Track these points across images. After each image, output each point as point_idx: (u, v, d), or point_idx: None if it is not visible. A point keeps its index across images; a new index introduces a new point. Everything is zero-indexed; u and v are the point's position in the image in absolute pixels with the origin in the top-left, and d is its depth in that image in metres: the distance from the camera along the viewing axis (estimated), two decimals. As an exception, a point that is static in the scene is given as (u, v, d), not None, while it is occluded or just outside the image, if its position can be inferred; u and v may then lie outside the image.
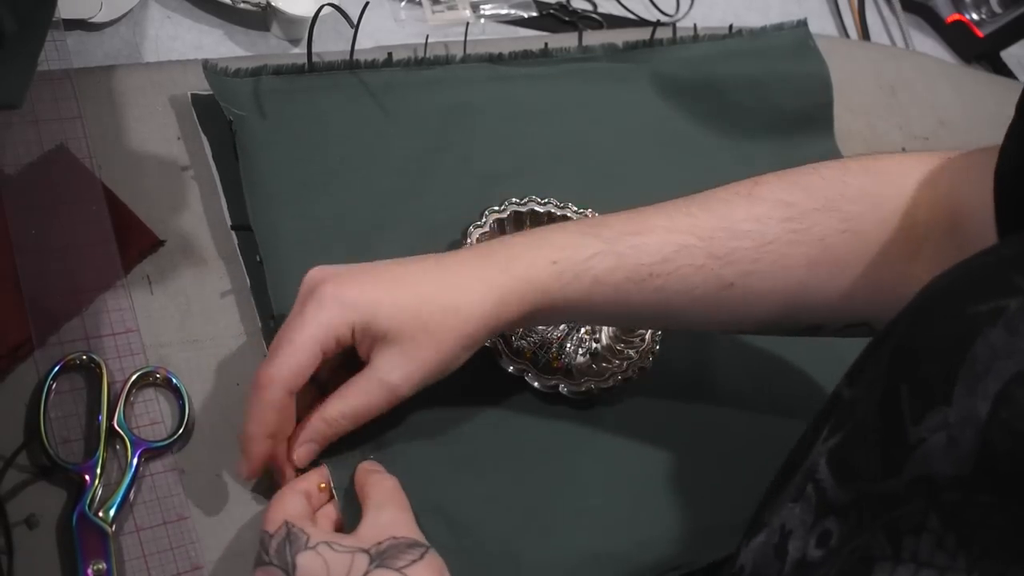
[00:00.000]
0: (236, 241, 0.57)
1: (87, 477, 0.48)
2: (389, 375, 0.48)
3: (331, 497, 0.50)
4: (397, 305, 0.47)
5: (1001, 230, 0.45)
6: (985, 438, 0.32)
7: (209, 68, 0.61)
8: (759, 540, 0.43)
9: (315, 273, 0.49)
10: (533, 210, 0.63)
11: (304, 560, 0.43)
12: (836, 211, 0.51)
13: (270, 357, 0.47)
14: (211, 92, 0.60)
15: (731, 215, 0.51)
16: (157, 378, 0.52)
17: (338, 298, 0.47)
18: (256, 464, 0.48)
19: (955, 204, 0.50)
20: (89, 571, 0.46)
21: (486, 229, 0.61)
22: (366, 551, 0.44)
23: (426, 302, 0.48)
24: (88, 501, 0.48)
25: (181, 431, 0.51)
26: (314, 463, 0.50)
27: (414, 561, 0.44)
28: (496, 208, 0.62)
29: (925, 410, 0.34)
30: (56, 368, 0.50)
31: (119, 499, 0.48)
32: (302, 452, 0.49)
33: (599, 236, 0.51)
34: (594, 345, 0.62)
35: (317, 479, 0.50)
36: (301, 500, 0.47)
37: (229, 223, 0.58)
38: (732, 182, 0.54)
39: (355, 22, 0.63)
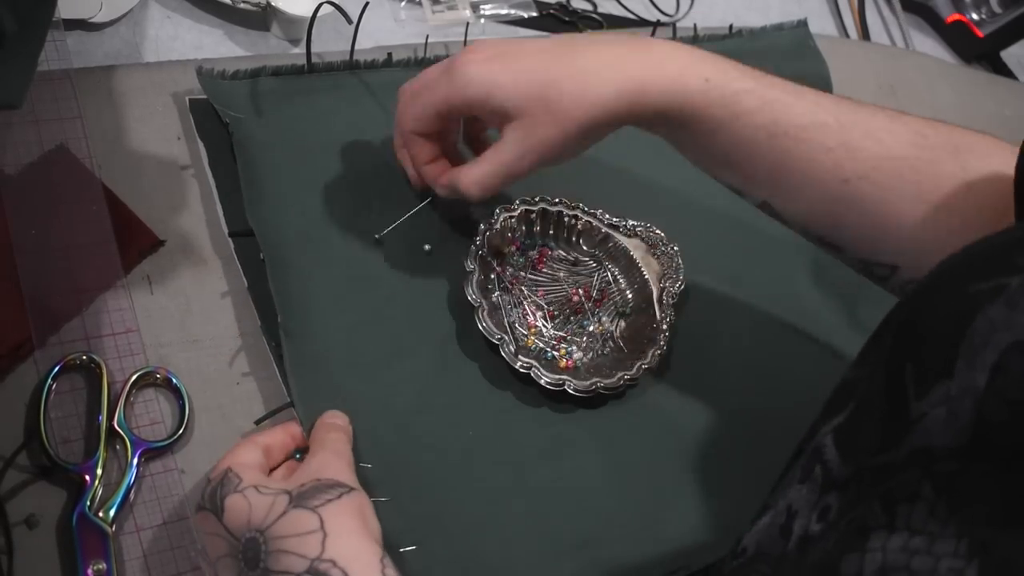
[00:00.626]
0: (233, 247, 0.57)
1: (87, 477, 0.48)
2: (506, 153, 0.52)
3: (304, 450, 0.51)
4: (515, 84, 0.50)
5: (1020, 211, 0.46)
6: (981, 408, 0.32)
7: (204, 73, 0.61)
8: (764, 521, 0.43)
9: (469, 47, 0.53)
10: (545, 209, 0.63)
11: (230, 502, 0.44)
12: (959, 157, 0.51)
13: (406, 104, 0.55)
14: (206, 97, 0.60)
15: (872, 120, 0.52)
16: (157, 378, 0.52)
17: (463, 73, 0.51)
18: (408, 170, 0.60)
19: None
20: (89, 571, 0.46)
21: (496, 226, 0.61)
22: (288, 492, 0.44)
23: (551, 83, 0.50)
24: (88, 501, 0.48)
25: (181, 431, 0.51)
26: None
27: (330, 500, 0.44)
28: (506, 206, 0.62)
29: (929, 385, 0.35)
30: (56, 368, 0.50)
31: (119, 499, 0.48)
32: (438, 189, 0.57)
33: (755, 78, 0.51)
34: (602, 346, 0.62)
35: (282, 436, 0.50)
36: (256, 451, 0.48)
37: (226, 230, 0.58)
38: None
39: (355, 22, 0.63)
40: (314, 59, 0.65)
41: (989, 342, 0.33)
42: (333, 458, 0.48)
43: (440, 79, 0.52)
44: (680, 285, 0.64)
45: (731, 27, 0.83)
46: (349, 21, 0.63)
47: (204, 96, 0.61)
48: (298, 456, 0.51)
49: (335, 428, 0.51)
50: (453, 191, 0.55)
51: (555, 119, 0.50)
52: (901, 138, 0.52)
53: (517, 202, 0.63)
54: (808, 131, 0.51)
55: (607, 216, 0.65)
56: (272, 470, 0.49)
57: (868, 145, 0.51)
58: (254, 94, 0.62)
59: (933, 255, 0.49)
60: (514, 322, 0.60)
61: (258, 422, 0.53)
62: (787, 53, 0.83)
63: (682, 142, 0.54)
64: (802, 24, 0.86)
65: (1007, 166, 0.50)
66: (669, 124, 0.52)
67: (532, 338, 0.60)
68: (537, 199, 0.63)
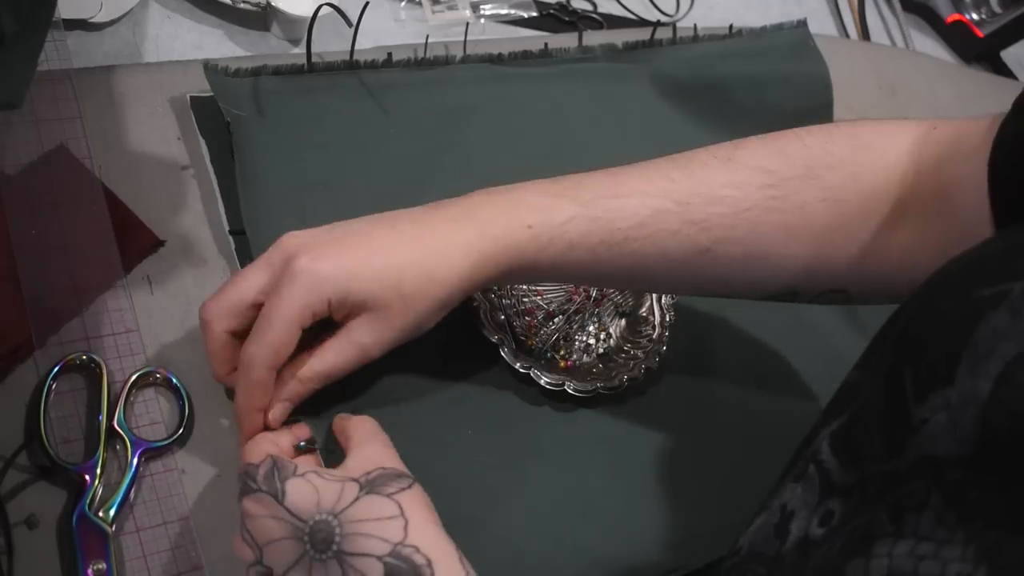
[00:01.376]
0: (234, 245, 0.58)
1: (87, 477, 0.48)
2: (363, 338, 0.49)
3: (311, 450, 0.51)
4: (373, 275, 0.48)
5: (998, 219, 0.46)
6: (986, 418, 0.32)
7: (210, 68, 0.61)
8: (758, 521, 0.43)
9: (287, 242, 0.49)
10: None
11: (293, 486, 0.44)
12: (817, 179, 0.51)
13: (252, 336, 0.48)
14: (210, 94, 0.60)
15: (709, 180, 0.51)
16: (157, 378, 0.52)
17: (314, 273, 0.47)
18: (250, 431, 0.50)
19: (943, 177, 0.50)
20: (89, 571, 0.46)
21: None
22: (356, 480, 0.44)
23: (402, 270, 0.48)
24: (88, 501, 0.48)
25: (181, 431, 0.51)
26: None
27: (403, 489, 0.44)
28: None
29: (928, 391, 0.35)
30: (56, 368, 0.50)
31: (119, 499, 0.48)
32: (277, 411, 0.50)
33: (575, 199, 0.51)
34: (601, 346, 0.62)
35: (289, 438, 0.50)
36: (271, 448, 0.48)
37: (227, 227, 0.58)
38: (712, 144, 0.54)
39: (354, 22, 0.63)
40: (314, 59, 0.65)
41: (993, 351, 0.33)
42: (388, 450, 0.48)
43: (286, 290, 0.47)
44: (680, 285, 0.64)
45: (731, 27, 0.83)
46: (349, 23, 0.63)
47: (205, 94, 0.61)
48: (302, 445, 0.50)
49: (367, 420, 0.51)
50: (294, 389, 0.50)
51: (410, 307, 0.49)
52: (747, 188, 0.51)
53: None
54: (648, 225, 0.51)
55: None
56: None
57: (714, 211, 0.51)
58: (255, 92, 0.62)
59: (868, 265, 0.52)
60: (514, 322, 0.60)
61: None
62: (787, 53, 0.83)
63: (544, 279, 0.55)
64: (802, 24, 0.86)
65: (871, 158, 0.52)
66: (514, 276, 0.52)
67: (532, 338, 0.60)
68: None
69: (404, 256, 0.49)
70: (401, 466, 0.47)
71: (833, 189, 0.51)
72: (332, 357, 0.50)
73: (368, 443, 0.48)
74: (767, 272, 0.53)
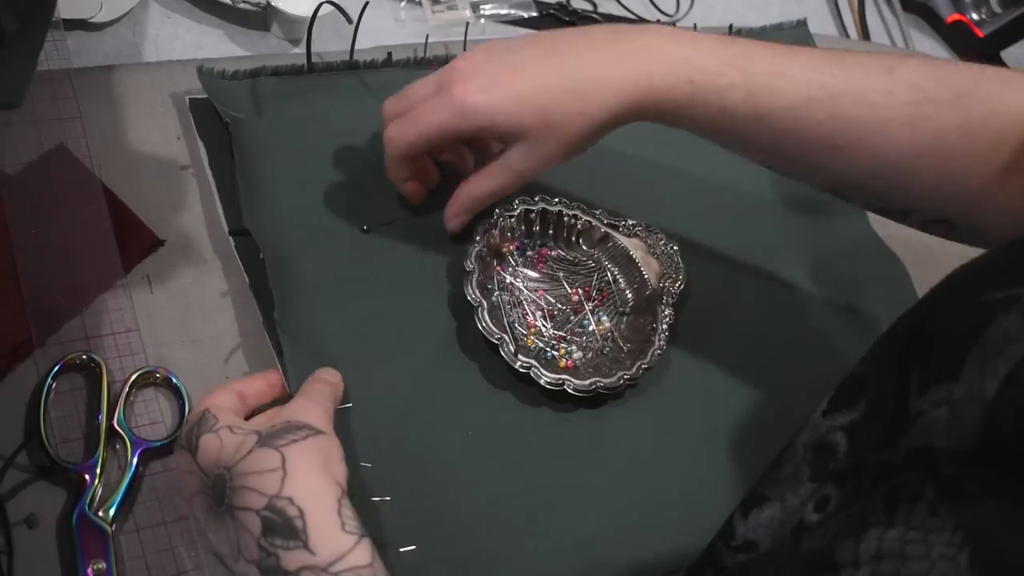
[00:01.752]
0: (233, 245, 0.58)
1: (87, 477, 0.48)
2: (516, 164, 0.55)
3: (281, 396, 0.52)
4: (521, 109, 0.52)
5: None
6: (991, 416, 0.33)
7: (204, 72, 0.61)
8: (767, 514, 0.44)
9: (456, 64, 0.54)
10: (545, 209, 0.63)
11: (204, 441, 0.45)
12: (961, 108, 0.52)
13: (398, 123, 0.55)
14: (206, 96, 0.60)
15: (865, 80, 0.53)
16: (157, 378, 0.52)
17: (463, 103, 0.52)
18: (414, 198, 0.61)
19: None
20: (89, 571, 0.46)
21: (497, 227, 0.61)
22: (258, 432, 0.45)
23: (552, 103, 0.52)
24: (88, 501, 0.48)
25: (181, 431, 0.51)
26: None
27: (294, 440, 0.45)
28: (505, 205, 0.62)
29: (930, 384, 0.36)
30: (56, 368, 0.50)
31: (119, 499, 0.48)
32: (454, 225, 0.60)
33: (741, 68, 0.52)
34: (602, 346, 0.62)
35: (259, 384, 0.51)
36: (231, 396, 0.49)
37: (226, 228, 0.58)
38: (872, 52, 0.56)
39: (354, 22, 0.63)
40: (314, 59, 0.65)
41: (1003, 352, 0.33)
42: (308, 403, 0.49)
43: (437, 104, 0.53)
44: (680, 285, 0.64)
45: (731, 27, 0.83)
46: (349, 21, 0.63)
47: (204, 95, 0.61)
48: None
49: (321, 381, 0.52)
50: (467, 207, 0.58)
51: (558, 136, 0.53)
52: (895, 99, 0.52)
53: (516, 202, 0.63)
54: (796, 110, 0.52)
55: (606, 216, 0.65)
56: (251, 416, 0.50)
57: (859, 113, 0.52)
58: (254, 94, 0.62)
59: (983, 201, 0.53)
60: (513, 322, 0.60)
61: None
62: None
63: (682, 126, 0.56)
64: (802, 24, 0.86)
65: (1014, 100, 0.52)
66: (665, 118, 0.54)
67: (532, 338, 0.60)
68: (536, 199, 0.63)
69: (558, 89, 0.52)
70: (318, 419, 0.47)
71: (972, 120, 0.52)
72: (493, 181, 0.56)
73: (297, 399, 0.49)
74: (888, 185, 0.54)
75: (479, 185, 0.57)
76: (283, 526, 0.42)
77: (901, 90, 0.52)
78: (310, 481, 0.43)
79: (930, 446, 0.35)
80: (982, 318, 0.35)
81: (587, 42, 0.54)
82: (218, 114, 0.60)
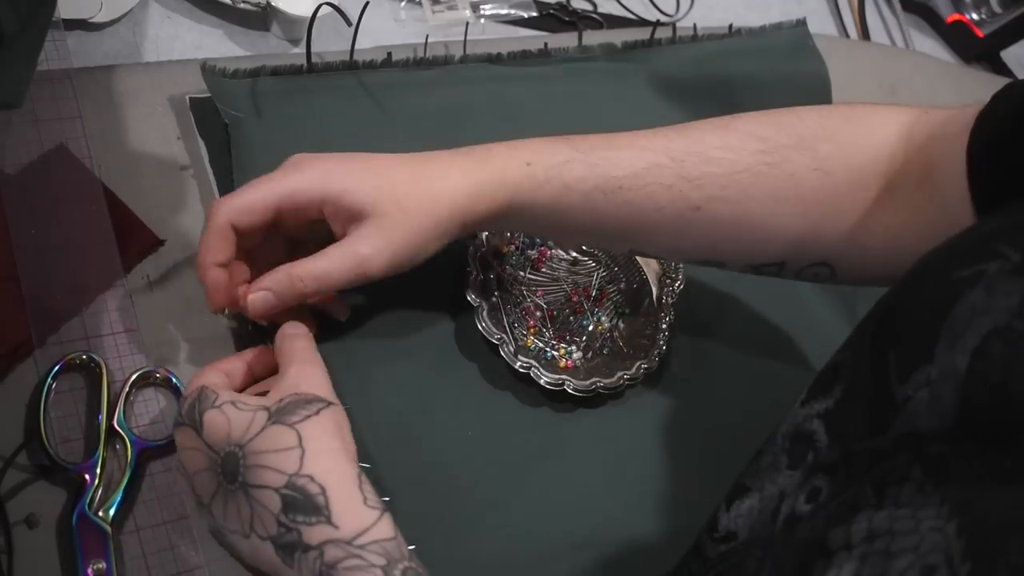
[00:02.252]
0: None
1: (87, 476, 0.48)
2: (360, 246, 0.49)
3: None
4: (372, 184, 0.49)
5: (977, 203, 0.47)
6: (964, 391, 0.34)
7: (207, 69, 0.61)
8: (747, 504, 0.44)
9: (296, 155, 0.51)
10: None
11: (209, 417, 0.45)
12: (809, 150, 0.53)
13: (231, 193, 0.49)
14: (208, 95, 0.60)
15: (705, 141, 0.53)
16: (157, 378, 0.52)
17: (315, 168, 0.49)
18: (213, 293, 0.50)
19: (929, 158, 0.51)
20: (89, 570, 0.46)
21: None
22: (267, 408, 0.45)
23: (402, 184, 0.49)
24: (88, 500, 0.48)
25: (181, 431, 0.51)
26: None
27: (308, 416, 0.45)
28: None
29: (910, 369, 0.36)
30: (56, 368, 0.50)
31: (119, 498, 0.48)
32: (258, 296, 0.49)
33: (574, 146, 0.52)
34: (601, 346, 0.62)
35: (239, 362, 0.51)
36: (219, 375, 0.48)
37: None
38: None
39: (354, 22, 0.63)
40: (314, 59, 0.65)
41: (969, 327, 0.34)
42: (309, 369, 0.48)
43: (284, 172, 0.49)
44: (680, 285, 0.64)
45: (731, 26, 0.83)
46: (348, 23, 0.63)
47: (205, 95, 0.61)
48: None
49: (298, 337, 0.50)
50: (281, 281, 0.49)
51: (408, 220, 0.49)
52: (741, 151, 0.53)
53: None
54: (642, 177, 0.52)
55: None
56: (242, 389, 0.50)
57: (708, 170, 0.52)
58: (254, 93, 0.62)
59: (855, 240, 0.53)
60: (513, 322, 0.60)
61: None
62: (786, 53, 0.83)
63: (538, 226, 0.55)
64: (801, 24, 0.86)
65: (863, 134, 0.53)
66: (510, 215, 0.52)
67: (531, 338, 0.60)
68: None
69: (404, 173, 0.50)
70: (322, 386, 0.47)
71: (824, 160, 0.53)
72: (326, 262, 0.49)
73: (292, 365, 0.48)
74: (755, 238, 0.54)
75: (310, 265, 0.49)
76: (305, 503, 0.42)
77: (743, 142, 0.53)
78: (329, 458, 0.44)
79: (916, 429, 0.35)
80: (949, 296, 0.35)
81: (425, 155, 0.52)
82: (218, 113, 0.60)
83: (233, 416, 0.45)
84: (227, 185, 0.59)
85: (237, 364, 0.51)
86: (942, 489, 0.32)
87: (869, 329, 0.41)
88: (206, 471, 0.45)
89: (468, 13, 0.78)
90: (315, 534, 0.42)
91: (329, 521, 0.42)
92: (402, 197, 0.49)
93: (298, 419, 0.44)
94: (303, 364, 0.48)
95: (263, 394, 0.48)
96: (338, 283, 0.49)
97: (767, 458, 0.45)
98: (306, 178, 0.49)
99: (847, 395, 0.41)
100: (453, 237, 0.51)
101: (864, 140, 0.53)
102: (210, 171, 0.59)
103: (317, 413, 0.45)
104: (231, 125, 0.60)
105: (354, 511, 0.42)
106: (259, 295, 0.49)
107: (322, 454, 0.44)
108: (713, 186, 0.52)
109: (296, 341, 0.50)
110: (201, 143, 0.60)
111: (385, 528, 0.42)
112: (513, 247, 0.63)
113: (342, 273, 0.49)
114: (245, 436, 0.44)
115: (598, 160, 0.52)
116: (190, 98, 0.61)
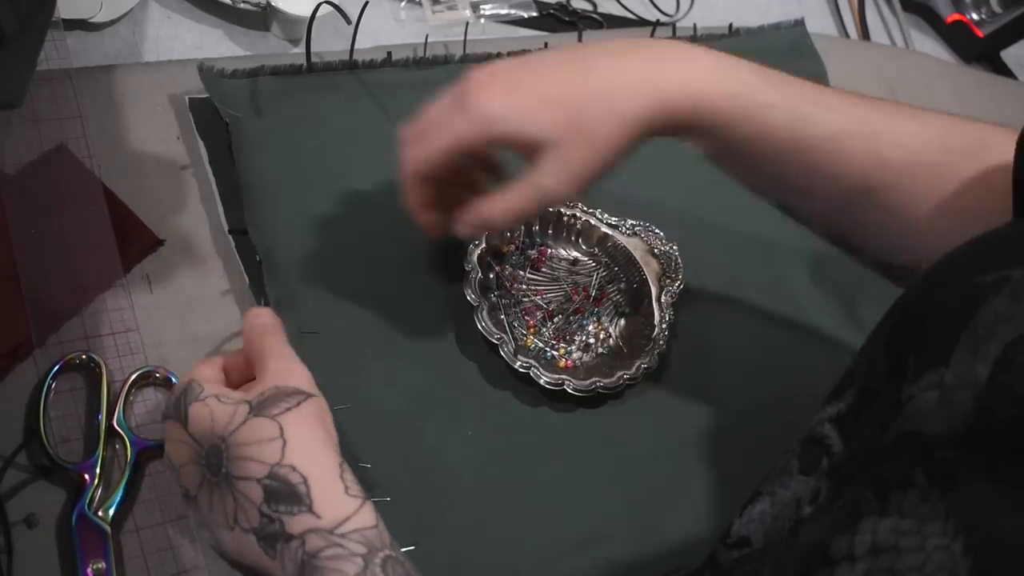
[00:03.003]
0: (233, 244, 0.58)
1: (87, 476, 0.48)
2: (543, 180, 0.48)
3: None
4: (546, 111, 0.47)
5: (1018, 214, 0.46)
6: (983, 400, 0.33)
7: (205, 70, 0.61)
8: (759, 509, 0.44)
9: (469, 78, 0.49)
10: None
11: (194, 410, 0.45)
12: (977, 160, 0.50)
13: (413, 141, 0.50)
14: (207, 96, 0.61)
15: (897, 123, 0.51)
16: (157, 377, 0.52)
17: (480, 110, 0.47)
18: (425, 221, 0.54)
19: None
20: (89, 570, 0.46)
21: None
22: (248, 401, 0.45)
23: (580, 103, 0.47)
24: (88, 500, 0.48)
25: (181, 431, 0.51)
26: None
27: (288, 409, 0.44)
28: None
29: (922, 370, 0.35)
30: (56, 368, 0.50)
31: (118, 498, 0.48)
32: (460, 228, 0.52)
33: (781, 88, 0.50)
34: (601, 346, 0.62)
35: (241, 359, 0.50)
36: (213, 368, 0.49)
37: (226, 227, 0.58)
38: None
39: (354, 22, 0.63)
40: (314, 59, 0.65)
41: (993, 335, 0.33)
42: (285, 364, 0.48)
43: (455, 117, 0.48)
44: (679, 285, 0.64)
45: (731, 26, 0.83)
46: (348, 22, 0.63)
47: (204, 95, 0.61)
48: None
49: (268, 330, 0.49)
50: (481, 226, 0.52)
51: (591, 143, 0.47)
52: (927, 143, 0.51)
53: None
54: (834, 142, 0.50)
55: (606, 216, 0.65)
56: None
57: (895, 154, 0.50)
58: (253, 93, 0.62)
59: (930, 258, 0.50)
60: (513, 322, 0.60)
61: None
62: (784, 53, 0.83)
63: (711, 151, 0.53)
64: (799, 24, 0.86)
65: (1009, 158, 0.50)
66: (697, 136, 0.51)
67: (531, 338, 0.60)
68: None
69: (583, 88, 0.47)
70: (302, 379, 0.47)
71: (988, 174, 0.50)
72: (514, 199, 0.49)
73: (267, 359, 0.48)
74: (907, 236, 0.52)
75: (500, 205, 0.50)
76: (286, 493, 0.42)
77: (931, 137, 0.51)
78: (310, 448, 0.44)
79: (919, 431, 0.35)
80: (972, 301, 0.35)
81: (616, 47, 0.50)
82: (218, 113, 0.60)
83: (216, 409, 0.45)
84: (228, 184, 0.59)
85: (237, 360, 0.50)
86: (948, 500, 0.32)
87: (885, 332, 0.40)
88: (192, 464, 0.45)
89: (468, 13, 0.78)
90: (297, 524, 0.42)
91: (311, 510, 0.42)
92: (585, 122, 0.47)
93: (279, 411, 0.44)
94: (279, 360, 0.48)
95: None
96: (528, 215, 0.51)
97: (780, 463, 0.44)
98: (473, 129, 0.48)
99: (859, 399, 0.40)
100: (640, 143, 0.49)
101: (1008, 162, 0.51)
102: (209, 171, 0.59)
103: (298, 405, 0.45)
104: (231, 125, 0.60)
105: (335, 500, 0.42)
106: (462, 227, 0.52)
107: (304, 444, 0.44)
108: (893, 172, 0.50)
109: (266, 337, 0.49)
110: (200, 143, 0.60)
111: (366, 517, 0.42)
112: (513, 247, 0.63)
113: (530, 206, 0.50)
114: (228, 428, 0.44)
115: (800, 113, 0.49)
116: (189, 99, 0.61)
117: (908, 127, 0.51)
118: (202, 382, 0.46)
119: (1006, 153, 0.50)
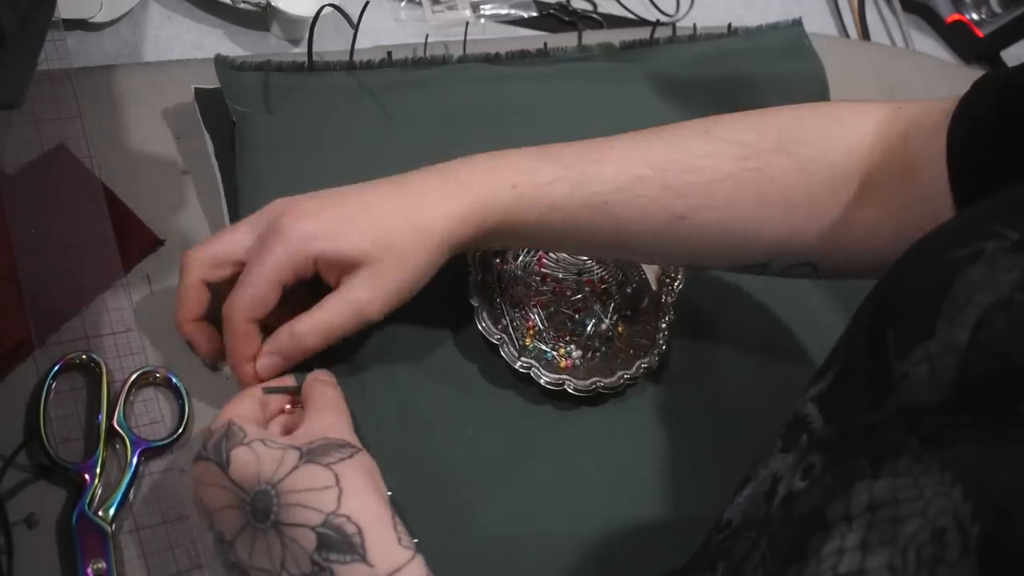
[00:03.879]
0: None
1: (87, 476, 0.48)
2: (357, 294, 0.49)
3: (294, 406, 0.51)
4: (360, 232, 0.49)
5: (957, 195, 0.48)
6: (965, 364, 0.34)
7: (220, 61, 0.61)
8: (746, 493, 0.45)
9: (276, 204, 0.50)
10: None
11: (237, 454, 0.44)
12: (789, 152, 0.53)
13: (235, 288, 0.49)
14: (213, 87, 0.61)
15: (687, 149, 0.53)
16: (157, 377, 0.52)
17: (298, 231, 0.48)
18: (200, 347, 0.52)
19: (907, 154, 0.51)
20: (89, 570, 0.46)
21: None
22: (298, 448, 0.45)
23: (389, 225, 0.49)
24: (88, 500, 0.48)
25: (181, 430, 0.51)
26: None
27: (343, 459, 0.44)
28: None
29: (910, 346, 0.36)
30: (56, 367, 0.50)
31: (119, 498, 0.48)
32: (265, 362, 0.50)
33: (558, 162, 0.52)
34: (601, 345, 0.62)
35: (279, 401, 0.51)
36: (254, 404, 0.49)
37: (228, 222, 0.58)
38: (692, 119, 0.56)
39: (355, 22, 0.63)
40: (314, 59, 0.65)
41: (970, 301, 0.34)
42: (336, 416, 0.48)
43: (269, 247, 0.48)
44: (680, 285, 0.64)
45: (729, 26, 0.83)
46: (351, 23, 0.63)
47: (209, 87, 0.61)
48: (288, 408, 0.51)
49: (330, 385, 0.51)
50: (294, 349, 0.50)
51: (401, 260, 0.49)
52: (723, 159, 0.53)
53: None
54: (626, 191, 0.52)
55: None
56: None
57: (690, 179, 0.53)
58: (262, 88, 0.62)
59: (836, 239, 0.54)
60: (513, 322, 0.60)
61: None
62: (782, 53, 0.83)
63: (525, 241, 0.56)
64: (797, 23, 0.86)
65: (841, 133, 0.54)
66: (497, 235, 0.52)
67: (531, 338, 0.60)
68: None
69: (390, 211, 0.50)
70: (349, 435, 0.47)
71: (805, 162, 0.53)
72: (326, 314, 0.50)
73: (322, 412, 0.48)
74: (740, 243, 0.55)
75: (310, 321, 0.50)
76: (340, 542, 0.42)
77: (725, 148, 0.53)
78: (366, 498, 0.44)
79: (913, 404, 0.36)
80: (949, 274, 0.36)
81: (400, 178, 0.52)
82: (223, 108, 0.60)
83: (263, 454, 0.44)
84: (231, 181, 0.59)
85: (278, 400, 0.51)
86: (941, 455, 0.33)
87: (866, 315, 0.41)
88: (231, 508, 0.44)
89: (468, 13, 0.78)
90: (349, 572, 0.41)
91: (364, 560, 0.41)
92: (392, 238, 0.49)
93: (333, 460, 0.44)
94: (331, 411, 0.49)
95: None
96: (341, 333, 0.50)
97: (767, 447, 0.45)
98: (295, 248, 0.48)
99: (840, 376, 0.41)
100: (444, 262, 0.52)
101: (843, 138, 0.54)
102: (215, 164, 0.59)
103: (351, 456, 0.45)
104: (237, 122, 0.60)
105: (388, 551, 0.42)
106: (265, 361, 0.50)
107: (358, 494, 0.43)
108: (697, 195, 0.53)
109: (327, 390, 0.50)
110: (207, 136, 0.60)
111: (417, 569, 0.42)
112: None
113: (344, 323, 0.50)
114: (276, 474, 0.43)
115: (582, 176, 0.52)
116: (195, 88, 0.61)
117: (700, 150, 0.53)
118: (243, 425, 0.46)
119: (814, 135, 0.54)
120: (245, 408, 0.48)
